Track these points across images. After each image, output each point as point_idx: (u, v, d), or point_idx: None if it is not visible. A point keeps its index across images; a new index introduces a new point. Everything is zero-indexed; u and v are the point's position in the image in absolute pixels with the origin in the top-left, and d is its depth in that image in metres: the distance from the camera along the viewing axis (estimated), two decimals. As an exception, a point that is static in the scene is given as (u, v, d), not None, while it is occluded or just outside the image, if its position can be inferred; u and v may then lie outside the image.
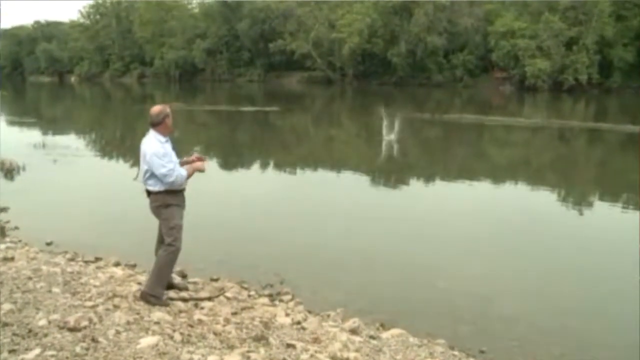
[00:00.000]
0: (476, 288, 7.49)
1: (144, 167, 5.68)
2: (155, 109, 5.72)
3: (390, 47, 74.61)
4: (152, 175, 5.63)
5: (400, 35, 73.99)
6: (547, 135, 26.70)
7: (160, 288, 5.77)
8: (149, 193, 5.76)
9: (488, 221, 11.10)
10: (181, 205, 5.81)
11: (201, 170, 5.92)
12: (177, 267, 6.72)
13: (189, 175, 5.75)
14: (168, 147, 5.68)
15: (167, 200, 5.68)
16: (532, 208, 12.23)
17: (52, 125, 30.37)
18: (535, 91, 61.30)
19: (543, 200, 13.15)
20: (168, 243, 5.68)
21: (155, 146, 5.57)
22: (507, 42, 66.30)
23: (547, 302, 7.18)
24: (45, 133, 24.67)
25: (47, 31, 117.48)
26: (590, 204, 13.31)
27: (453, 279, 7.78)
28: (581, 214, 12.21)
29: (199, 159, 5.98)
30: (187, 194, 6.07)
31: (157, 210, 5.74)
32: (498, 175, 16.54)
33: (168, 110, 5.71)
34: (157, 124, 5.65)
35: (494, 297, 7.24)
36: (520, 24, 66.39)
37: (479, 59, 72.89)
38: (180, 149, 6.21)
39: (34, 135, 23.10)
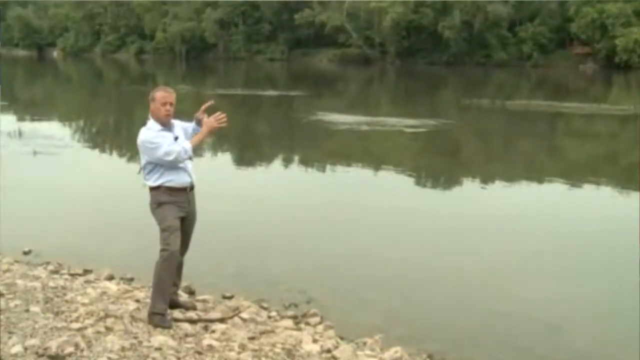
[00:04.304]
0: (544, 313, 7.41)
1: (141, 159, 5.90)
2: None
3: (442, 18, 74.24)
4: (149, 168, 5.84)
5: (454, 4, 73.55)
6: (643, 126, 26.31)
7: (161, 303, 5.85)
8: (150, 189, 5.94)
9: (560, 232, 10.98)
10: (180, 204, 5.91)
11: (217, 128, 5.95)
12: (183, 282, 6.79)
13: (199, 141, 5.94)
14: (165, 134, 5.83)
15: (160, 197, 5.84)
16: (617, 216, 12.05)
17: (30, 109, 30.78)
18: (628, 69, 59.96)
19: (632, 207, 12.94)
20: (161, 248, 5.80)
21: (143, 134, 5.83)
22: (592, 8, 64.64)
23: (634, 333, 7.06)
24: (21, 119, 25.10)
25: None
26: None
27: (515, 302, 7.73)
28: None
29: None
30: (195, 194, 6.14)
31: (151, 209, 5.93)
32: (575, 175, 16.35)
33: (155, 94, 5.86)
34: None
35: (567, 325, 7.15)
36: (610, -18, 64.51)
37: (553, 31, 71.94)
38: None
39: (7, 121, 23.29)
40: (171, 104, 5.84)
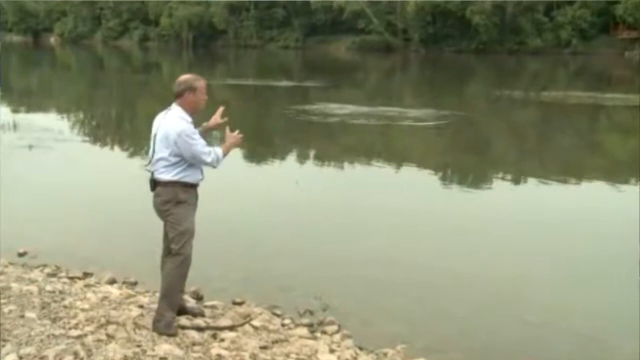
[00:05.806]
0: (584, 326, 7.36)
1: (158, 151, 5.80)
2: (182, 77, 5.94)
3: (470, 3, 73.86)
4: (171, 161, 5.74)
5: (484, -14, 73.29)
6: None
7: (170, 311, 5.88)
8: (154, 184, 5.85)
9: (599, 236, 10.86)
10: (194, 204, 5.94)
11: (237, 146, 6.17)
12: (191, 287, 6.83)
13: (224, 155, 5.98)
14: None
15: (180, 195, 5.78)
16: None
17: (25, 100, 30.95)
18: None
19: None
20: (175, 252, 5.81)
21: (180, 124, 5.71)
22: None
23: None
24: (16, 110, 25.30)
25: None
26: None
27: (546, 311, 7.68)
28: None
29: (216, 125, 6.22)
30: (201, 192, 6.16)
31: (164, 207, 5.82)
32: (617, 173, 16.24)
33: (197, 83, 5.84)
34: (177, 95, 5.84)
35: (609, 339, 7.07)
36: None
37: (595, 14, 71.20)
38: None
39: (1, 112, 23.46)
40: None
